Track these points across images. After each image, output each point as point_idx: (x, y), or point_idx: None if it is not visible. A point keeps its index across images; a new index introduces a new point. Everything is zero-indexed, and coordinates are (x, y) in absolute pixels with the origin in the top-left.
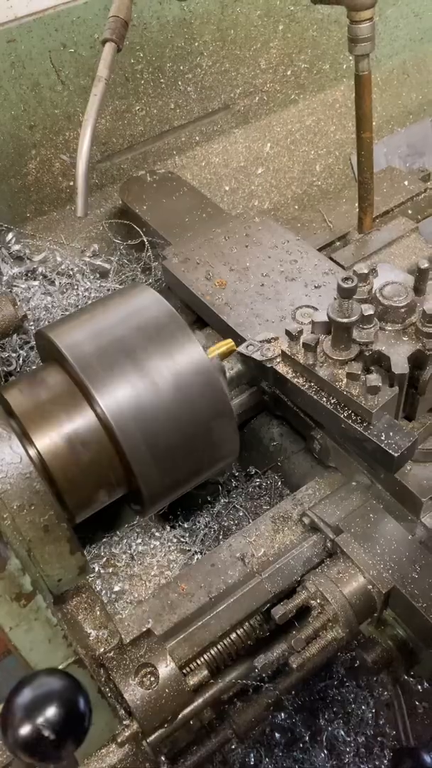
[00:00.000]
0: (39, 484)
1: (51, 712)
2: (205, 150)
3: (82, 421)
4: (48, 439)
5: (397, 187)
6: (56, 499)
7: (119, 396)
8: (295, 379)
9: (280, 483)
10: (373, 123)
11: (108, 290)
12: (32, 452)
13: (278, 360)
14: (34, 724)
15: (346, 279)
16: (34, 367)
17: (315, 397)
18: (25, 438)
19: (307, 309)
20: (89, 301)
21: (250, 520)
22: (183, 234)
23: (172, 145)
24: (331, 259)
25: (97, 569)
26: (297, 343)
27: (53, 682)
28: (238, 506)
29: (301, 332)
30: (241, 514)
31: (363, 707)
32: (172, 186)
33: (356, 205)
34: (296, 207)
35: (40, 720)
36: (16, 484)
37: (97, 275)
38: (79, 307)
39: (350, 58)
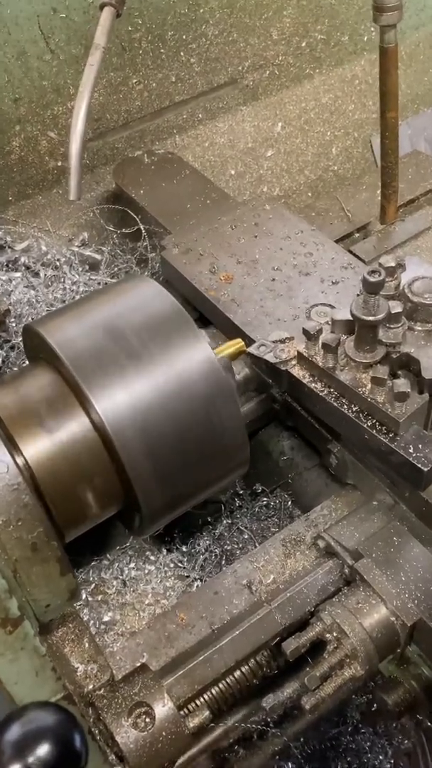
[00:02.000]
0: (27, 496)
1: (43, 750)
2: (209, 129)
3: (75, 427)
4: (37, 447)
5: (423, 173)
6: (46, 514)
7: (117, 400)
8: (312, 384)
9: (290, 502)
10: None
11: (99, 284)
12: (20, 461)
13: (293, 362)
14: (24, 764)
15: (372, 272)
16: (17, 368)
17: (335, 404)
18: (11, 445)
19: (323, 307)
20: (77, 296)
21: (257, 544)
22: (184, 222)
23: (172, 122)
24: (351, 252)
25: (84, 596)
26: (315, 344)
27: (45, 717)
28: (242, 528)
29: (320, 331)
30: (246, 536)
31: (380, 757)
32: (172, 168)
33: (378, 192)
34: (310, 194)
35: (31, 759)
36: (2, 496)
37: (87, 267)
38: (66, 302)
39: (372, 29)
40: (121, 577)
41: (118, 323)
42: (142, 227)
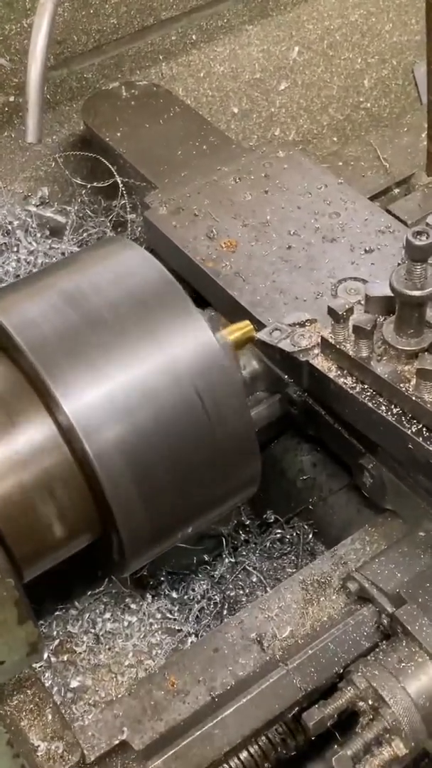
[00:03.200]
0: None
1: None
2: (206, 54)
3: (36, 432)
4: None
5: None
6: None
7: (91, 397)
8: (341, 380)
9: (311, 535)
10: None
11: (63, 254)
12: None
13: (316, 352)
14: None
15: (418, 234)
16: None
17: (369, 404)
18: None
19: (354, 282)
20: (34, 270)
21: (269, 588)
22: (174, 173)
23: (157, 46)
24: (388, 212)
25: (46, 656)
26: (345, 328)
27: None
28: (250, 568)
29: (350, 312)
30: (254, 579)
31: None
32: (158, 104)
33: (423, 136)
34: (335, 138)
35: None
36: None
37: (47, 233)
38: (21, 276)
39: None
40: (93, 631)
41: (92, 300)
42: (119, 180)
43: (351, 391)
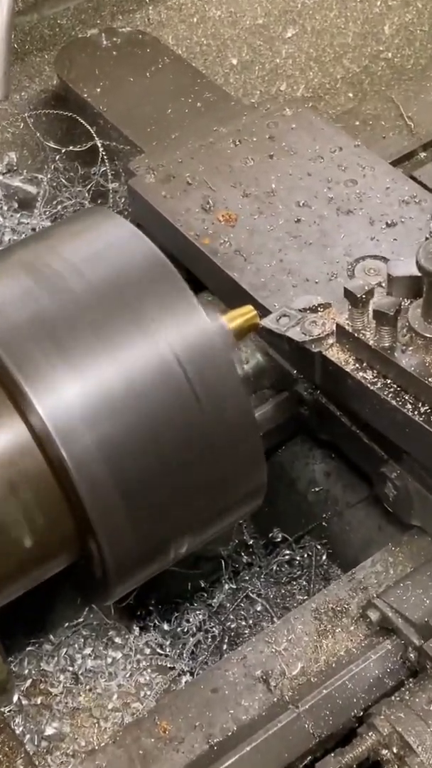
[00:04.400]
0: None
1: None
2: None
3: (4, 437)
4: None
5: None
6: None
7: (69, 395)
8: (360, 374)
9: (325, 556)
10: None
11: (34, 229)
12: None
13: (330, 341)
14: None
15: None
16: None
17: (393, 402)
18: None
19: (374, 261)
20: (1, 247)
21: (276, 618)
22: (163, 135)
23: None
24: (413, 178)
25: (17, 698)
26: (364, 313)
27: None
28: (253, 595)
29: (370, 294)
30: (259, 608)
31: None
32: (144, 55)
33: None
34: (351, 94)
35: None
36: None
37: (15, 205)
38: None
39: None
40: (71, 669)
41: (69, 281)
42: (98, 143)
43: (371, 387)
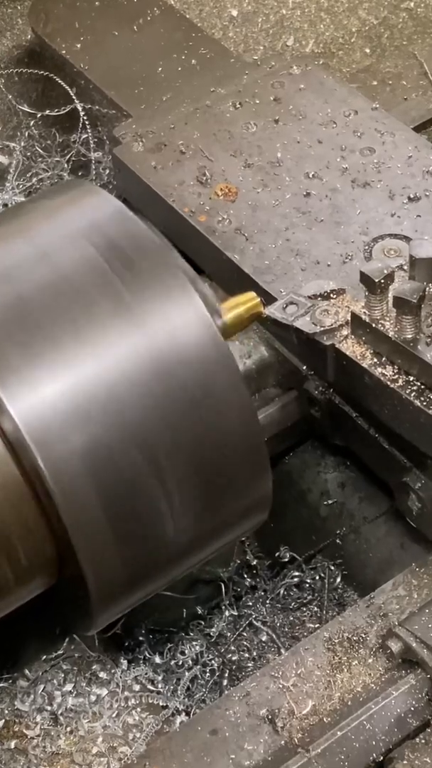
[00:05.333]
0: None
1: None
2: None
3: None
4: None
5: None
6: None
7: (47, 395)
8: (378, 370)
9: (339, 578)
10: None
11: (5, 205)
12: None
13: (345, 333)
14: None
15: None
16: None
17: (417, 402)
18: None
19: (394, 240)
20: None
21: (283, 650)
22: (153, 97)
23: None
24: None
25: None
26: (383, 300)
27: None
28: (258, 623)
29: (389, 279)
30: (264, 637)
31: None
32: (130, 5)
33: None
34: (368, 50)
35: None
36: None
37: None
38: None
39: None
40: (49, 708)
41: (47, 264)
42: (79, 107)
43: (392, 385)
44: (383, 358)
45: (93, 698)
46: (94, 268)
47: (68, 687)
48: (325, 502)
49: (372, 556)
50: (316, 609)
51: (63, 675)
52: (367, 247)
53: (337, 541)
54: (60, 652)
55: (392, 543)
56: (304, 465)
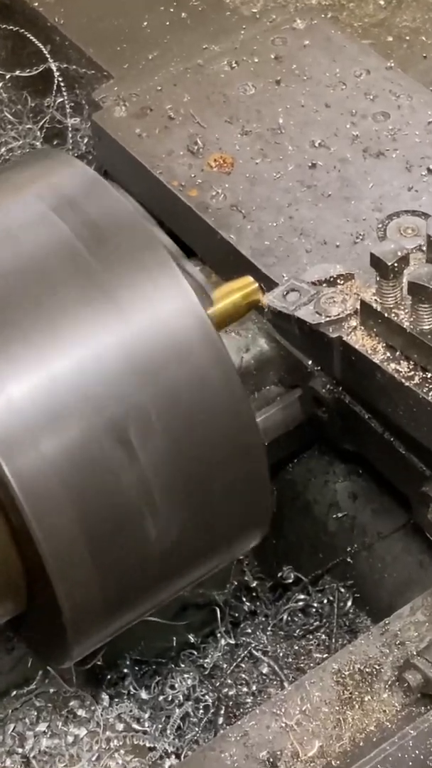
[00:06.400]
0: None
1: None
2: None
3: None
4: None
5: None
6: None
7: (14, 393)
8: (391, 365)
9: (350, 601)
10: None
11: None
12: None
13: (354, 323)
14: None
15: None
16: None
17: None
18: None
19: (411, 218)
20: None
21: (287, 683)
22: (137, 56)
23: None
24: None
25: None
26: (397, 287)
27: None
28: (258, 653)
29: (404, 262)
30: (265, 669)
31: None
32: None
33: None
34: (382, 2)
35: None
36: None
37: None
38: None
39: None
40: (20, 750)
41: (13, 244)
42: (53, 67)
43: (407, 383)
44: (397, 353)
45: (70, 739)
46: (66, 249)
47: (42, 726)
48: (334, 516)
49: (387, 576)
50: (323, 637)
51: (36, 713)
52: (380, 225)
53: (348, 559)
54: (33, 686)
55: (410, 562)
56: (309, 473)
